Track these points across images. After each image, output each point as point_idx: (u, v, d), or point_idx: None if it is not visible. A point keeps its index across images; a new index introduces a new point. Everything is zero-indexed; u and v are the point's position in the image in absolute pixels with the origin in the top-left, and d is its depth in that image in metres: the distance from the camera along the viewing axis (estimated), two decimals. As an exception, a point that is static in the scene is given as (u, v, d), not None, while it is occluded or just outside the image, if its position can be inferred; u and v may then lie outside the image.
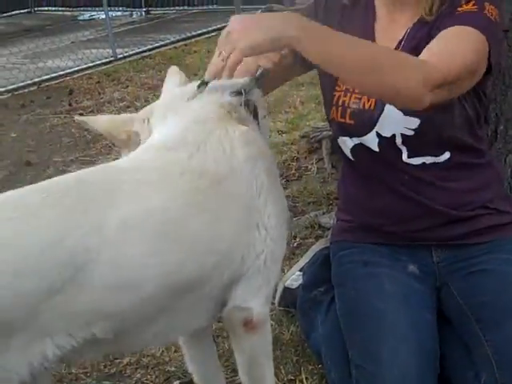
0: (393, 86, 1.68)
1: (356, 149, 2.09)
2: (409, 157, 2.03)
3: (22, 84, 7.56)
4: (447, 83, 1.73)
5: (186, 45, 9.26)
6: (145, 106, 6.18)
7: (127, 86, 7.04)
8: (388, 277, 2.14)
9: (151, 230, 1.49)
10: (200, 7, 12.62)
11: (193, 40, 9.56)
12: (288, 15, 1.69)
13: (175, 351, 2.59)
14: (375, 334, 2.00)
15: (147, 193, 1.54)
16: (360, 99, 2.02)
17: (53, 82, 7.73)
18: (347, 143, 2.10)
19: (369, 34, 2.02)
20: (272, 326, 2.64)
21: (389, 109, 1.96)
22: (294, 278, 2.55)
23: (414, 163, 2.03)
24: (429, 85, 1.68)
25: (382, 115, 2.00)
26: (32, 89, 7.50)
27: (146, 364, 2.56)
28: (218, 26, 10.42)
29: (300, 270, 2.50)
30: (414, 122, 1.97)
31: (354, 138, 2.08)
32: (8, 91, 7.37)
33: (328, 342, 2.16)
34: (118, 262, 1.43)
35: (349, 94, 2.04)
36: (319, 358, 2.25)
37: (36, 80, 7.74)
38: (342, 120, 2.07)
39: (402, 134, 1.99)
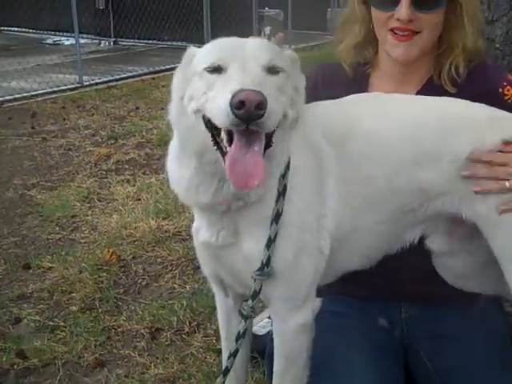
0: None
1: None
2: None
3: (-17, 102, 7.44)
4: None
5: (153, 78, 9.29)
6: (111, 135, 6.20)
7: (93, 114, 6.98)
8: (358, 329, 2.13)
9: None
10: (169, 42, 12.69)
11: (161, 74, 9.59)
12: None
13: None
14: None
15: None
16: None
17: (16, 103, 7.63)
18: None
19: None
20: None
21: None
22: (262, 324, 2.52)
23: None
24: None
25: None
26: (-6, 108, 7.38)
27: None
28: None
29: (269, 317, 2.47)
30: None
31: None
32: (-31, 108, 7.23)
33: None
34: None
35: None
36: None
37: (-2, 99, 7.63)
38: None
39: None
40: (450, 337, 2.06)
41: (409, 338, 2.15)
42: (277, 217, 1.65)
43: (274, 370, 1.91)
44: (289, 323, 1.80)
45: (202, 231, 1.75)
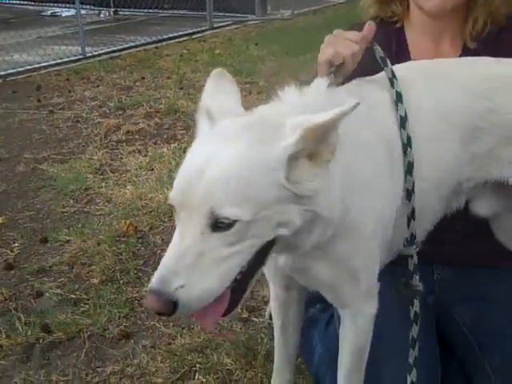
0: None
1: None
2: None
3: (-14, 77, 7.35)
4: None
5: (156, 47, 9.17)
6: (118, 106, 6.11)
7: (98, 86, 6.88)
8: (389, 295, 2.10)
9: None
10: (170, 11, 12.52)
11: (163, 43, 9.47)
12: None
13: (161, 361, 2.52)
14: (377, 356, 1.94)
15: None
16: None
17: (19, 77, 7.52)
18: None
19: None
20: (263, 340, 2.60)
21: None
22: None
23: None
24: None
25: None
26: (-3, 82, 7.30)
27: (131, 374, 2.47)
28: (189, 31, 10.38)
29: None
30: None
31: None
32: (-28, 83, 7.14)
33: (327, 361, 2.10)
34: None
35: None
36: (316, 378, 2.19)
37: (1, 73, 7.53)
38: None
39: None
40: (486, 299, 2.02)
41: (442, 303, 2.12)
42: (409, 168, 1.62)
43: (343, 371, 1.84)
44: (365, 316, 1.75)
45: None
